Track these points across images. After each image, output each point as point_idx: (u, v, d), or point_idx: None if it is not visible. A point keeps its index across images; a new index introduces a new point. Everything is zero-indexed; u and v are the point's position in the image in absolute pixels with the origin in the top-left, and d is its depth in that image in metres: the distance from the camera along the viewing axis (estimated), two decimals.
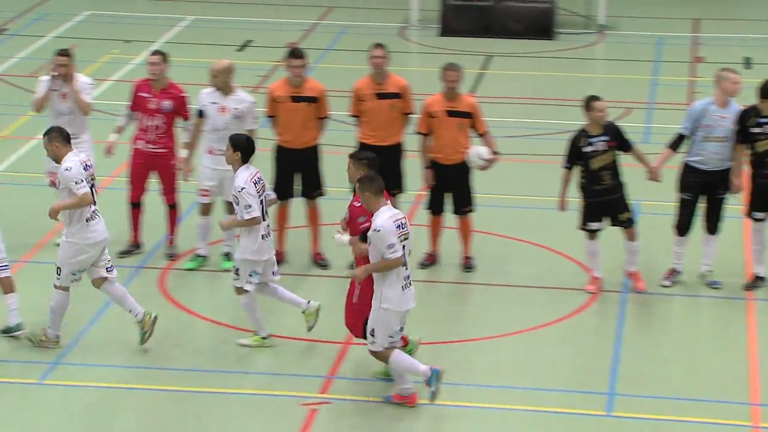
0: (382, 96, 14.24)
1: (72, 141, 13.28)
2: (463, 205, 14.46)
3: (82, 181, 12.21)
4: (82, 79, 14.57)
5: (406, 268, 11.54)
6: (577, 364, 12.71)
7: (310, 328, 12.92)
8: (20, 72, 20.58)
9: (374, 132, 14.29)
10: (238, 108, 14.12)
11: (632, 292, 14.05)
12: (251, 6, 25.76)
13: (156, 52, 14.50)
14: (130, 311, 12.66)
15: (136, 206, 14.67)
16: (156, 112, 14.34)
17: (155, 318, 12.66)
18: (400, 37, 24.14)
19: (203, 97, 14.20)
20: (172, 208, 14.66)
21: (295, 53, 14.26)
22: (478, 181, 14.62)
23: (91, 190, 12.36)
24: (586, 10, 25.40)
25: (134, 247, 14.69)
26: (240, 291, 12.64)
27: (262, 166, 14.53)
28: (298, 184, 14.49)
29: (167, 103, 14.33)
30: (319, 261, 14.61)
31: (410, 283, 11.62)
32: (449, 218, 14.56)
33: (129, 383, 12.14)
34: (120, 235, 14.59)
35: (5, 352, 12.56)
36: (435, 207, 14.51)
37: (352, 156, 12.16)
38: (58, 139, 12.44)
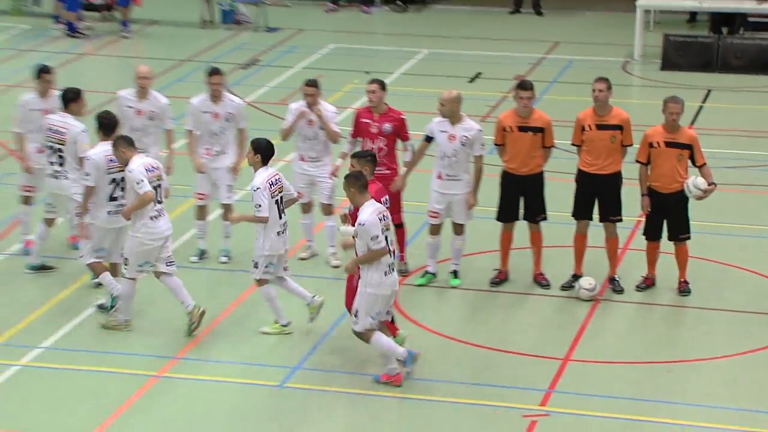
0: (603, 127, 14.12)
1: (315, 163, 13.56)
2: (680, 232, 14.23)
3: (143, 180, 12.67)
4: (327, 107, 14.81)
5: (390, 256, 11.92)
6: None
7: (311, 320, 13.22)
8: (270, 100, 21.05)
9: (594, 161, 14.17)
10: (465, 135, 14.17)
11: None
12: (482, 41, 25.84)
13: (374, 81, 14.60)
14: (182, 303, 13.10)
15: None
16: (378, 135, 14.45)
17: (203, 312, 13.07)
18: (623, 70, 23.90)
19: (433, 124, 14.27)
20: (399, 227, 14.72)
21: (524, 85, 14.24)
22: (694, 209, 14.37)
23: (156, 190, 12.80)
24: None
25: None
26: (260, 282, 13.01)
27: (489, 190, 14.63)
28: (522, 208, 14.45)
29: (388, 126, 14.43)
30: (540, 281, 14.54)
31: (393, 270, 12.02)
32: (666, 244, 14.35)
33: (341, 387, 12.30)
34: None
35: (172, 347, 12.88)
36: (652, 233, 14.31)
37: (354, 155, 12.66)
38: (123, 144, 12.96)
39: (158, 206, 12.96)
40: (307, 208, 15.02)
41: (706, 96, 22.30)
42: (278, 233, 12.94)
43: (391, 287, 12.09)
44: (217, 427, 11.58)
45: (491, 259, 14.82)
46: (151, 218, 12.92)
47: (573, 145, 14.35)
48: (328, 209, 14.93)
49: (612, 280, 14.46)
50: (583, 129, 14.14)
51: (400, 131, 14.46)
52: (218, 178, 14.77)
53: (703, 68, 23.75)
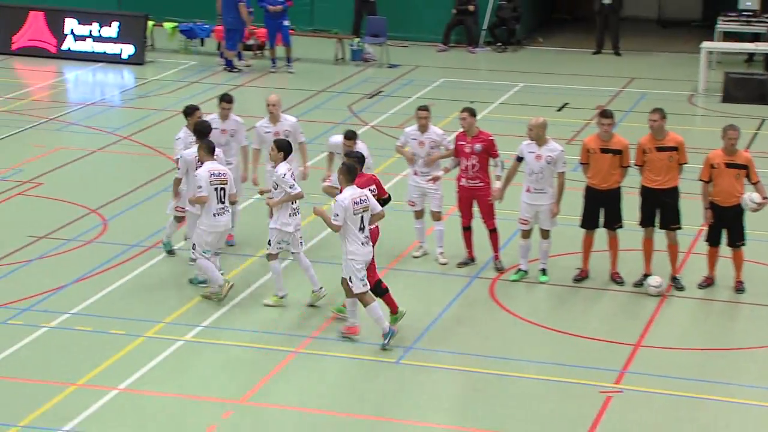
0: (661, 149, 13.93)
1: (426, 177, 13.57)
2: (737, 239, 13.99)
3: (201, 187, 13.15)
4: (435, 130, 14.80)
5: (362, 232, 12.33)
6: None
7: (309, 305, 13.36)
8: (390, 124, 21.10)
9: (656, 177, 13.99)
10: (550, 155, 14.07)
11: None
12: (569, 76, 25.61)
13: (464, 109, 14.47)
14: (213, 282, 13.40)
15: (467, 229, 14.79)
16: (470, 154, 14.40)
17: (232, 285, 13.43)
18: (688, 102, 23.52)
19: (523, 146, 14.14)
20: (493, 231, 14.67)
21: (605, 114, 14.12)
22: (749, 220, 14.11)
23: (220, 193, 13.26)
24: None
25: (470, 260, 14.81)
26: (270, 257, 13.23)
27: (573, 202, 14.52)
28: (602, 217, 14.30)
29: (478, 146, 14.34)
30: (616, 279, 14.38)
31: (368, 242, 12.41)
32: (725, 249, 14.10)
33: (448, 364, 12.27)
34: (459, 250, 14.82)
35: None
36: (713, 240, 14.09)
37: (347, 154, 13.09)
38: (205, 149, 13.43)
39: (221, 205, 13.30)
40: (419, 214, 15.00)
41: (761, 125, 21.86)
42: (290, 214, 13.24)
43: (367, 256, 12.44)
44: (343, 397, 11.63)
45: (574, 260, 14.69)
46: (214, 215, 13.26)
47: (636, 165, 14.18)
48: (437, 216, 14.90)
49: (674, 278, 14.24)
50: (644, 151, 13.97)
51: (489, 150, 14.39)
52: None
53: (758, 101, 23.27)
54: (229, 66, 25.39)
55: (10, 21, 26.54)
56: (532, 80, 25.15)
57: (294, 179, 13.24)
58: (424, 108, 14.79)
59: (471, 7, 27.87)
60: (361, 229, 12.38)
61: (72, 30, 26.32)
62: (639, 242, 14.28)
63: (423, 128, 14.68)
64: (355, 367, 12.21)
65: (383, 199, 13.09)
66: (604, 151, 14.03)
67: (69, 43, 26.32)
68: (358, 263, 12.37)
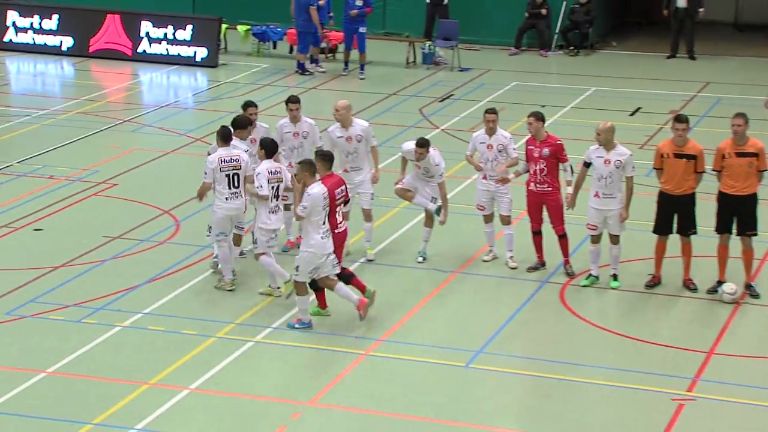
0: (741, 155, 13.73)
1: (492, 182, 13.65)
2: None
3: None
4: (503, 133, 14.69)
5: (324, 224, 12.74)
6: None
7: (288, 296, 13.40)
8: (461, 128, 21.08)
9: (735, 183, 13.80)
10: (619, 159, 13.91)
11: None
12: (642, 80, 25.38)
13: (531, 114, 14.38)
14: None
15: (536, 234, 14.70)
16: (539, 158, 14.32)
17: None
18: (764, 107, 23.16)
19: (590, 151, 14.05)
20: (562, 237, 14.55)
21: (680, 118, 13.96)
22: None
23: (232, 178, 13.63)
24: None
25: (540, 265, 14.72)
26: (258, 256, 13.51)
27: (645, 207, 14.38)
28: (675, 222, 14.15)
29: (546, 150, 14.25)
30: (689, 285, 14.21)
31: (328, 236, 12.77)
32: None
33: (516, 369, 12.22)
34: (529, 254, 14.76)
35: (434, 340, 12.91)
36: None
37: (316, 153, 13.35)
38: (220, 135, 13.74)
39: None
40: (488, 218, 14.94)
41: None
42: (270, 212, 13.49)
43: (329, 250, 12.77)
44: (411, 400, 11.63)
45: (646, 266, 14.54)
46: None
47: (714, 170, 14.01)
48: (506, 219, 14.84)
49: (748, 286, 14.04)
50: (723, 157, 13.80)
51: (558, 154, 14.30)
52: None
53: None
54: (301, 69, 25.52)
55: (88, 24, 26.94)
56: (605, 84, 24.96)
57: (267, 180, 13.42)
58: (492, 111, 14.73)
59: (544, 11, 27.75)
60: (324, 223, 12.73)
61: (147, 33, 26.65)
62: (713, 248, 14.10)
63: (491, 131, 14.63)
64: (423, 370, 12.20)
65: (346, 202, 13.53)
66: (678, 156, 13.88)
67: (144, 46, 26.65)
68: (314, 256, 12.69)
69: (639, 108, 22.89)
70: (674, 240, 14.19)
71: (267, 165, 13.50)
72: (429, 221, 14.94)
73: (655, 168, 14.16)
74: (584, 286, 14.32)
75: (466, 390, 11.87)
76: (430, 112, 22.30)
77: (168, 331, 12.95)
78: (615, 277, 14.29)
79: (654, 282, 14.30)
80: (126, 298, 13.79)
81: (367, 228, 14.96)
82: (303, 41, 25.41)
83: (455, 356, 12.46)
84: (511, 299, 13.90)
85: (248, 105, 14.97)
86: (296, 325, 12.99)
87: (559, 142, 14.35)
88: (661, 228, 14.17)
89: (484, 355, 12.53)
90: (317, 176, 12.90)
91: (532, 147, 14.39)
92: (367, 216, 14.93)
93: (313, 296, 13.23)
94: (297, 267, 12.85)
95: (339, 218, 13.12)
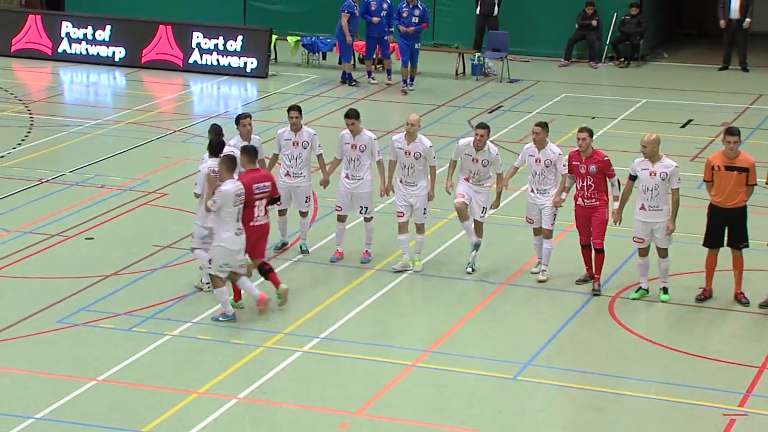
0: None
1: (541, 194, 13.61)
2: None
3: (196, 184, 13.46)
4: (553, 148, 14.55)
5: (238, 221, 13.05)
6: None
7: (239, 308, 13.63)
8: (510, 139, 21.03)
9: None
10: (664, 171, 13.74)
11: None
12: (693, 92, 25.23)
13: (583, 129, 14.19)
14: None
15: (585, 247, 14.51)
16: (585, 174, 14.13)
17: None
18: None
19: (635, 164, 13.89)
20: (599, 252, 14.23)
21: (731, 131, 13.82)
22: None
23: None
24: None
25: (589, 277, 14.59)
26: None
27: (696, 220, 14.25)
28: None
29: (593, 167, 14.06)
30: (741, 299, 14.07)
31: (241, 233, 13.08)
32: None
33: (564, 382, 12.17)
34: (577, 269, 14.68)
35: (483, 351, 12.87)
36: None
37: (241, 150, 13.59)
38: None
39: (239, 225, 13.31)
40: (538, 231, 14.82)
41: None
42: (235, 233, 13.26)
43: (239, 246, 13.10)
44: (460, 412, 11.61)
45: (697, 279, 14.42)
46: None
47: (766, 184, 13.87)
48: (548, 234, 14.63)
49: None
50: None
51: (605, 170, 14.13)
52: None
53: None
54: (348, 79, 25.56)
55: (140, 35, 27.19)
56: (656, 96, 24.82)
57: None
58: (539, 124, 14.65)
59: (594, 22, 27.65)
60: (238, 220, 13.05)
61: (198, 44, 26.86)
62: (765, 262, 13.95)
63: (539, 144, 14.57)
64: (471, 381, 12.18)
65: (274, 199, 13.73)
66: (730, 168, 13.76)
67: (195, 57, 26.86)
68: (225, 251, 13.00)
69: (690, 120, 22.73)
70: (725, 253, 14.06)
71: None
72: (478, 230, 14.92)
73: (705, 181, 14.06)
74: (634, 299, 14.21)
75: (515, 402, 11.82)
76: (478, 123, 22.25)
77: (217, 341, 13.01)
78: (665, 290, 14.17)
79: (705, 295, 14.18)
80: (176, 307, 13.88)
81: (418, 240, 14.94)
82: (342, 51, 25.50)
83: (503, 368, 12.42)
84: (560, 311, 13.84)
85: (241, 117, 14.87)
86: (220, 318, 13.33)
87: (606, 158, 14.21)
88: (712, 241, 14.06)
89: (532, 367, 12.48)
90: (238, 172, 13.21)
91: (578, 163, 14.24)
92: (420, 229, 14.92)
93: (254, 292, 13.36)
94: (210, 261, 13.16)
95: (258, 212, 13.38)
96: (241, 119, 14.84)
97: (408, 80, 25.20)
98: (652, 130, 15.26)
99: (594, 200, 14.19)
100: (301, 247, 15.49)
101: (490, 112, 23.40)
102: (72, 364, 12.43)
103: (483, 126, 14.83)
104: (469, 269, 14.93)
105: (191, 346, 12.89)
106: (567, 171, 14.41)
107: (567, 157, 14.39)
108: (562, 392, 12.04)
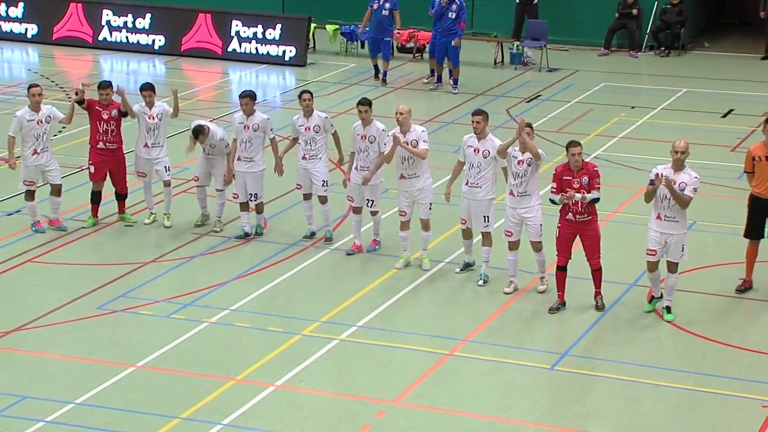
0: None
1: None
2: None
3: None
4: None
5: None
6: None
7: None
8: (549, 129, 20.94)
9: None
10: (683, 182, 12.85)
11: None
12: (735, 82, 25.02)
13: (576, 143, 13.24)
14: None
15: (562, 269, 13.41)
16: (580, 188, 13.10)
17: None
18: None
19: (659, 170, 12.97)
20: (597, 270, 13.45)
21: None
22: None
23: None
24: None
25: (561, 305, 13.50)
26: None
27: (736, 211, 14.12)
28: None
29: (586, 179, 13.16)
30: None
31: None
32: None
33: (602, 372, 12.11)
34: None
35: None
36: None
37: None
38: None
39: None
40: (514, 245, 13.93)
41: None
42: None
43: None
44: (497, 402, 11.60)
45: (737, 270, 14.31)
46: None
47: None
48: (538, 246, 13.84)
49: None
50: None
51: (593, 179, 13.13)
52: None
53: None
54: (376, 71, 25.20)
55: (180, 23, 27.32)
56: (696, 85, 24.63)
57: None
58: (480, 112, 14.07)
59: (635, 11, 27.46)
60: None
61: (237, 32, 26.93)
62: None
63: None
64: (509, 371, 12.16)
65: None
66: None
67: (234, 45, 26.93)
68: None
69: (731, 110, 22.54)
70: (766, 244, 13.94)
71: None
72: (467, 233, 14.37)
73: (746, 171, 13.94)
74: (648, 311, 13.49)
75: (552, 393, 11.79)
76: (518, 113, 22.17)
77: (254, 328, 13.07)
78: (668, 309, 13.39)
79: (745, 287, 14.07)
80: (214, 294, 13.95)
81: (424, 237, 14.61)
82: (374, 46, 24.99)
83: (540, 358, 12.39)
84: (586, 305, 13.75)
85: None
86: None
87: (595, 168, 13.29)
88: (752, 232, 13.94)
89: (569, 357, 12.45)
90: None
91: (569, 177, 13.23)
92: (425, 225, 14.61)
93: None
94: None
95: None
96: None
97: (452, 81, 23.87)
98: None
99: (586, 215, 13.25)
100: (325, 235, 15.50)
101: (528, 101, 23.31)
102: (111, 351, 12.53)
103: (479, 112, 14.14)
104: (481, 282, 14.25)
105: (229, 334, 12.95)
106: (553, 190, 13.32)
107: (554, 172, 13.44)
108: (599, 383, 12.00)
